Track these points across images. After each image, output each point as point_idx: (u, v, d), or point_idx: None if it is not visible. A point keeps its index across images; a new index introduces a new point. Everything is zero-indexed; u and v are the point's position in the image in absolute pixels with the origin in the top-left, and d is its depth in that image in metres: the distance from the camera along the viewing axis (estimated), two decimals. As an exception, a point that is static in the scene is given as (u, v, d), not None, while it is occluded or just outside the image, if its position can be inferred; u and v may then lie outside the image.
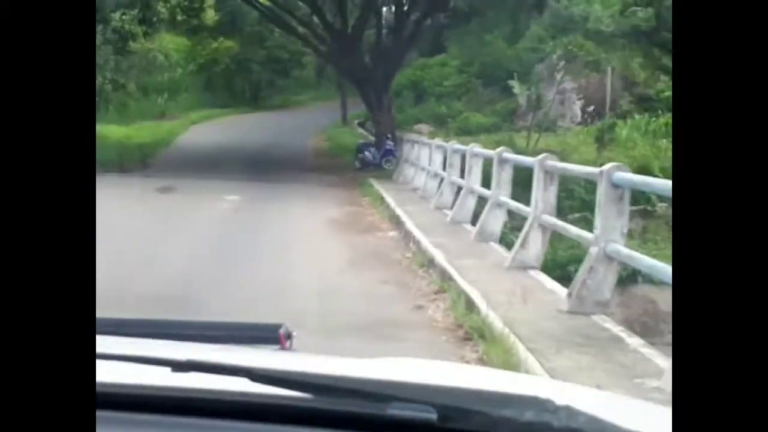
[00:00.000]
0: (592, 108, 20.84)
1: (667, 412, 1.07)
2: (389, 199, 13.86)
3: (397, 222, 11.72)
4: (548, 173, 7.76)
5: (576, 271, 10.51)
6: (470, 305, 6.21)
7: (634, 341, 5.27)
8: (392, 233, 11.21)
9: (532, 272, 7.50)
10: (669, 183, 6.35)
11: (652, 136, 19.08)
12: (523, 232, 7.92)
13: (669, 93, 21.96)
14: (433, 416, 0.92)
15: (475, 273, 7.30)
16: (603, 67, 20.38)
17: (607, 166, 6.12)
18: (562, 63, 20.84)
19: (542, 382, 1.72)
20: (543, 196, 7.69)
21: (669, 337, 9.45)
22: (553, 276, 7.80)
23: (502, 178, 9.54)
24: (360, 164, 20.11)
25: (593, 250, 6.01)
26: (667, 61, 21.33)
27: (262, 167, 19.55)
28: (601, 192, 5.99)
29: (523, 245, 7.75)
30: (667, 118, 19.73)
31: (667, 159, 16.01)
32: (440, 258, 8.10)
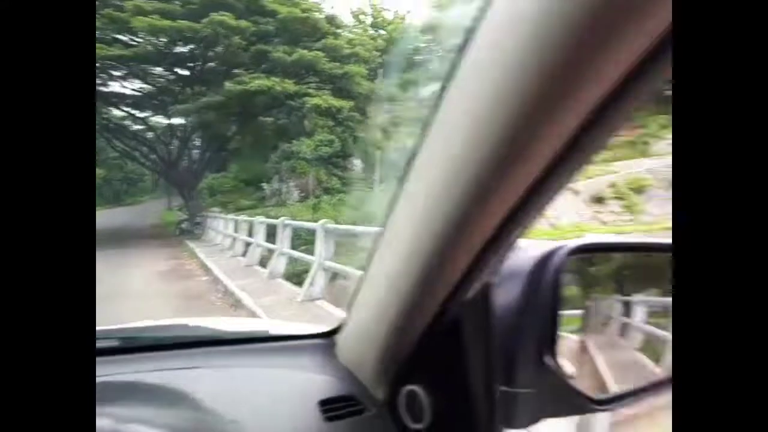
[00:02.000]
0: (303, 194, 19.79)
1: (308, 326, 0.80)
2: (200, 254, 10.70)
3: (207, 269, 8.70)
4: (329, 232, 5.57)
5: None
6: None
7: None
8: (205, 278, 8.18)
9: (319, 302, 5.33)
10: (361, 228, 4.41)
11: (335, 205, 18.59)
12: (310, 274, 5.54)
13: (338, 185, 21.06)
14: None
15: (278, 310, 5.02)
16: (307, 174, 20.19)
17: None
18: (289, 172, 20.78)
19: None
20: (325, 247, 5.51)
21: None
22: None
23: (285, 235, 7.17)
24: (179, 232, 16.35)
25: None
26: (335, 170, 20.83)
27: (120, 238, 15.39)
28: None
29: (312, 283, 5.47)
30: (338, 197, 19.20)
31: (342, 217, 15.15)
32: (247, 300, 5.64)
